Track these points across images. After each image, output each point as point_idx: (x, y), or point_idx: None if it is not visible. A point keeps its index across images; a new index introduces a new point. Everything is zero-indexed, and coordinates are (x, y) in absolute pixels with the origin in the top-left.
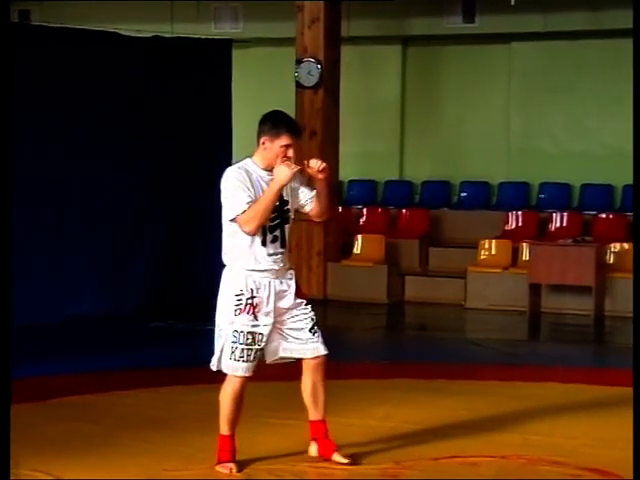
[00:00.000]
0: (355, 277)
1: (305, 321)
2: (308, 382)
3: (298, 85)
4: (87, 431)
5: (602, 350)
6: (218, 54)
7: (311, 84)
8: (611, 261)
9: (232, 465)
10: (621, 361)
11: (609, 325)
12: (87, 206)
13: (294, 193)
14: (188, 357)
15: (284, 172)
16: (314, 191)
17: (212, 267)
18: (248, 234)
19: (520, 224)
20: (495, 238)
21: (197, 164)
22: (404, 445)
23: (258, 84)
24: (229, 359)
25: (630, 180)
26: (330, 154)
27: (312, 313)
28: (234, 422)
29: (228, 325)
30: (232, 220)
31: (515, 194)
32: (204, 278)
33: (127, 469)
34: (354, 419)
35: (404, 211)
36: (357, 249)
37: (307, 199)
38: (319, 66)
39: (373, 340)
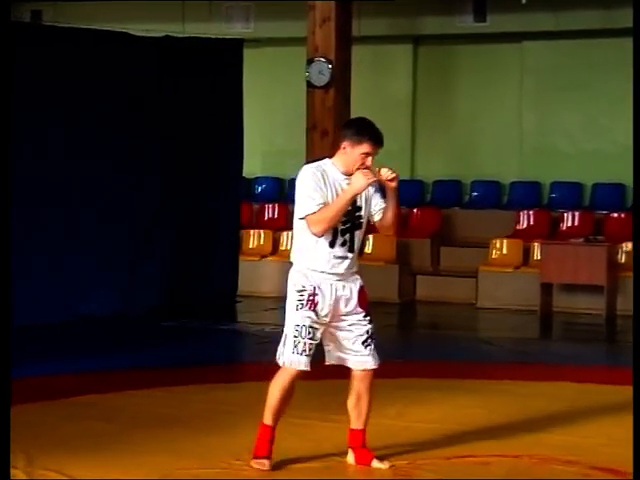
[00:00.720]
0: (366, 276)
1: (359, 332)
2: (354, 391)
3: (309, 85)
4: (99, 430)
5: (614, 349)
6: (229, 54)
7: (322, 84)
8: (623, 260)
9: (266, 461)
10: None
11: (621, 324)
12: (99, 206)
13: (369, 200)
14: (200, 356)
15: (360, 181)
16: (384, 203)
17: (224, 267)
18: (314, 235)
19: (532, 223)
20: (506, 237)
21: (208, 163)
22: (416, 444)
23: (269, 83)
24: (292, 353)
25: None
26: None
27: (369, 326)
28: (279, 414)
29: (290, 320)
30: (301, 218)
31: (527, 193)
32: (216, 277)
33: (139, 468)
34: None
35: (415, 210)
36: (368, 248)
37: (378, 209)
38: (330, 65)
39: (385, 339)
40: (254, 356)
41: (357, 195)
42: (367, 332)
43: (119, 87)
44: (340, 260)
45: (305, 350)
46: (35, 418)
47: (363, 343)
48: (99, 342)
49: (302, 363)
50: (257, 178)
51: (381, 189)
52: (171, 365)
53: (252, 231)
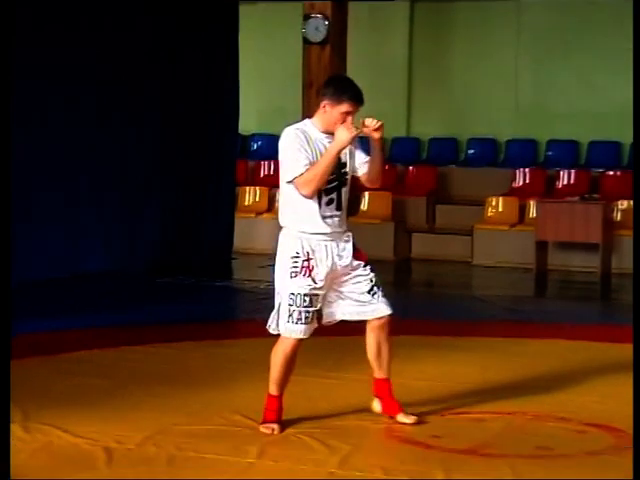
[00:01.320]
0: (362, 234)
1: (364, 283)
2: (372, 341)
3: (305, 41)
4: (95, 385)
5: (608, 307)
6: (225, 9)
7: (318, 40)
8: (618, 218)
9: (275, 426)
10: (627, 318)
11: (615, 282)
12: (96, 164)
13: (352, 156)
14: (196, 312)
15: (344, 135)
16: (368, 156)
17: (219, 224)
18: (305, 197)
19: (527, 181)
20: (502, 195)
21: (204, 120)
22: (410, 401)
23: (265, 40)
24: (287, 322)
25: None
26: None
27: (372, 274)
28: (283, 383)
29: (284, 288)
30: (289, 182)
31: (522, 151)
32: (212, 235)
33: (135, 423)
34: (361, 375)
35: (411, 168)
36: (364, 206)
37: (361, 162)
38: (326, 22)
39: None
40: (250, 313)
41: (342, 149)
42: (371, 280)
43: (112, 45)
44: (330, 219)
45: (301, 319)
46: (31, 374)
47: (369, 292)
48: (95, 299)
49: (299, 331)
50: (253, 135)
51: (362, 146)
52: (167, 322)
53: (248, 188)
